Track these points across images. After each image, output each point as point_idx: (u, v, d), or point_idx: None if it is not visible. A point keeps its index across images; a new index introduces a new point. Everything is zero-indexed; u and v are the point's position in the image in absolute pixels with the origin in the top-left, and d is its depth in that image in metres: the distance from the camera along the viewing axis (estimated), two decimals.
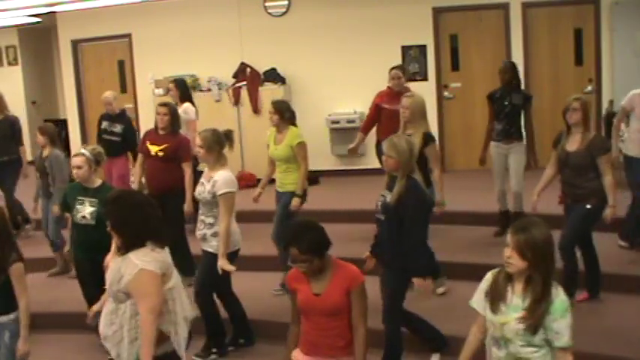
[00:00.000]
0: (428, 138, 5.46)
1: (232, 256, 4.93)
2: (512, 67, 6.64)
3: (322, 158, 9.56)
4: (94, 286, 5.11)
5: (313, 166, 9.45)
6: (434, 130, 9.18)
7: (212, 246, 4.90)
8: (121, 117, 7.54)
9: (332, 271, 3.42)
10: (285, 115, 5.84)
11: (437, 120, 9.39)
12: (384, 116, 6.81)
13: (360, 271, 3.50)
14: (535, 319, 2.86)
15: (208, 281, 4.96)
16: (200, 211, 5.02)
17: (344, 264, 3.50)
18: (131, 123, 7.69)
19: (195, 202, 5.39)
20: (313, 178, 9.27)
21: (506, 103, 6.44)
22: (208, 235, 4.91)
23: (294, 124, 5.95)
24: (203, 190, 4.92)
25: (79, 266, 5.27)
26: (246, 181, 8.60)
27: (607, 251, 5.99)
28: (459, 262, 5.85)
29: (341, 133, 9.26)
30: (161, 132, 6.18)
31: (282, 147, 5.79)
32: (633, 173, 6.09)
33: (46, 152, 6.54)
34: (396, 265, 4.33)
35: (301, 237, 3.36)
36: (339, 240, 6.56)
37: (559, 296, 2.89)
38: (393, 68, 6.89)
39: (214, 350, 5.11)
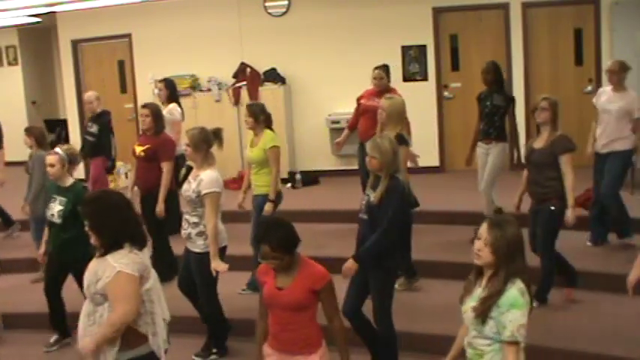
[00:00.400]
0: (399, 140, 5.44)
1: (220, 254, 4.90)
2: (495, 67, 6.63)
3: (322, 158, 9.59)
4: (54, 284, 5.34)
5: (313, 166, 9.57)
6: (434, 130, 9.33)
7: (198, 246, 4.88)
8: (98, 118, 7.56)
9: (298, 269, 3.50)
10: (259, 117, 5.83)
11: (437, 120, 9.41)
12: (361, 112, 6.90)
13: (326, 271, 3.55)
14: (483, 309, 2.95)
15: (206, 281, 4.95)
16: (184, 210, 5.01)
17: (311, 263, 3.56)
18: (107, 125, 7.57)
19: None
20: (313, 178, 9.32)
21: (488, 103, 6.46)
22: (193, 235, 4.90)
23: (270, 126, 5.93)
24: (188, 188, 4.91)
25: (48, 262, 5.41)
26: None
27: (606, 252, 6.01)
28: (459, 262, 5.83)
29: (341, 133, 9.22)
30: (147, 133, 6.27)
31: (256, 150, 5.80)
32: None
33: (31, 152, 6.57)
34: (380, 265, 4.33)
35: (272, 234, 3.42)
36: (339, 240, 6.62)
37: (510, 290, 2.93)
38: (377, 68, 6.86)
39: (214, 350, 5.11)
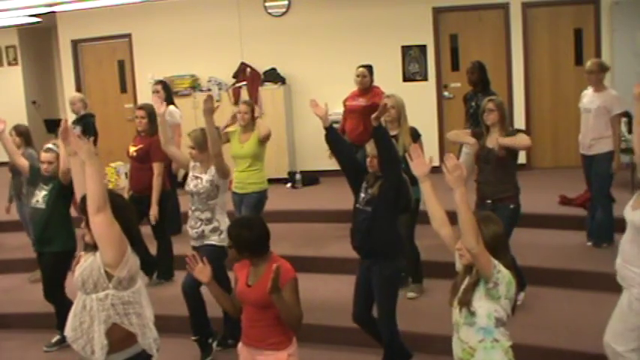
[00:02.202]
0: (416, 134, 5.50)
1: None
2: (480, 67, 6.65)
3: (322, 158, 9.53)
4: (45, 283, 5.35)
5: (313, 166, 9.55)
6: (434, 130, 9.32)
7: (212, 240, 4.88)
8: (80, 120, 7.64)
9: (266, 266, 3.51)
10: (254, 113, 5.96)
11: (437, 120, 9.41)
12: (346, 113, 6.95)
13: (291, 269, 3.55)
14: (464, 296, 3.05)
15: (214, 274, 4.92)
16: (193, 208, 4.96)
17: (279, 261, 3.56)
18: (90, 127, 7.58)
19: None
20: (313, 178, 9.31)
21: (473, 104, 6.48)
22: (207, 231, 4.89)
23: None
24: (199, 182, 4.90)
25: (39, 263, 5.48)
26: None
27: (604, 251, 6.01)
28: None
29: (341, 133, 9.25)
30: (142, 134, 6.28)
31: (250, 143, 5.84)
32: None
33: (19, 152, 6.57)
34: (384, 267, 4.35)
35: (238, 238, 3.51)
36: (339, 240, 6.61)
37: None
38: (361, 66, 6.86)
39: (230, 342, 5.09)
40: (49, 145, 5.35)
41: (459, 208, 2.94)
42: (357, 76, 6.80)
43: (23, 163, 5.61)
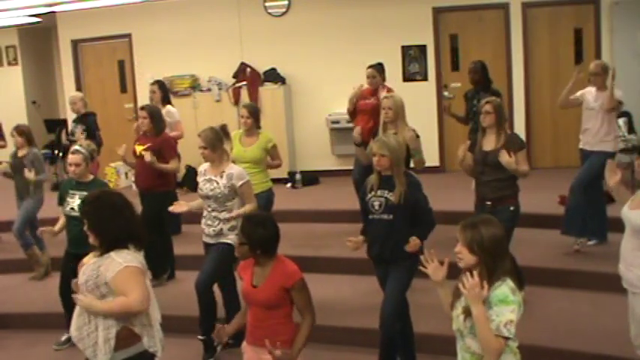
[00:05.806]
0: (415, 135, 5.54)
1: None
2: (482, 67, 6.67)
3: (322, 158, 9.58)
4: (69, 285, 5.26)
5: (313, 166, 9.56)
6: (433, 129, 9.33)
7: (230, 239, 4.88)
8: (82, 119, 7.68)
9: (272, 267, 3.51)
10: (257, 117, 5.96)
11: (437, 120, 9.41)
12: (357, 112, 6.91)
13: (297, 270, 3.54)
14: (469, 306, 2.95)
15: (219, 273, 4.95)
16: (210, 209, 4.97)
17: (284, 261, 3.57)
18: (92, 126, 7.65)
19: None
20: (313, 178, 9.32)
21: (475, 102, 6.49)
22: (225, 230, 4.92)
23: (259, 126, 6.02)
24: (216, 185, 4.91)
25: (64, 261, 5.39)
26: None
27: (604, 250, 6.01)
28: None
29: (341, 133, 9.26)
30: (147, 134, 6.30)
31: (254, 149, 5.85)
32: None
33: (23, 152, 6.58)
34: (405, 261, 4.30)
35: (252, 235, 3.48)
36: (339, 240, 6.59)
37: (500, 287, 2.93)
38: (370, 67, 6.86)
39: (231, 341, 5.11)
40: (76, 147, 5.30)
41: (477, 325, 2.88)
42: (367, 77, 6.82)
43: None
